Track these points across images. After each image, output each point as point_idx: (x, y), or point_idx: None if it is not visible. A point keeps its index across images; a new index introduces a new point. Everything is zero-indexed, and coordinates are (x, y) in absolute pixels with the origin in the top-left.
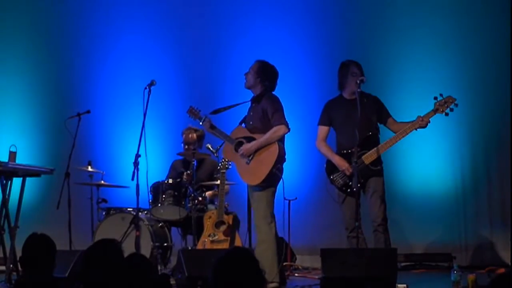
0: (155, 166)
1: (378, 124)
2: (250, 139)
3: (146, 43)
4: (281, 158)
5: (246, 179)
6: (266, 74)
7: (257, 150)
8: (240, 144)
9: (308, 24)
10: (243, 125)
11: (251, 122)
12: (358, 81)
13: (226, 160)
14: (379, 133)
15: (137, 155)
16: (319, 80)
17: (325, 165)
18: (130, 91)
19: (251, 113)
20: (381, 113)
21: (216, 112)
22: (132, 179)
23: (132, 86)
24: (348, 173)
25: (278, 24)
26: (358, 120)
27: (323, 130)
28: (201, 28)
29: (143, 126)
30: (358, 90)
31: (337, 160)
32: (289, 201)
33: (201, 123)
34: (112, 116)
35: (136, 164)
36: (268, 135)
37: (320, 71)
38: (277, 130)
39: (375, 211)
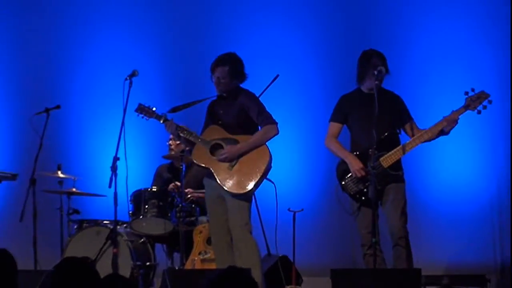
0: (136, 172)
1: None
2: (229, 141)
3: (127, 31)
4: (270, 163)
5: (230, 187)
6: (237, 70)
7: (243, 153)
8: (217, 146)
9: (308, 15)
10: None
11: (220, 122)
12: (376, 72)
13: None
14: (399, 134)
15: (115, 158)
16: (323, 77)
17: (335, 169)
18: (108, 84)
19: (221, 111)
20: (401, 114)
21: (174, 110)
22: (109, 186)
23: (110, 78)
24: (359, 175)
25: (272, 14)
26: (376, 117)
27: (334, 127)
28: (189, 17)
29: (123, 124)
30: (376, 82)
31: (351, 159)
32: (294, 212)
33: (161, 122)
34: (86, 112)
35: (114, 168)
36: (258, 136)
37: (324, 68)
38: (268, 131)
39: (394, 223)
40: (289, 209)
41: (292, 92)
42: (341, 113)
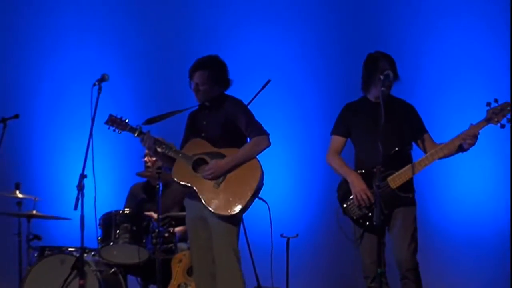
0: (106, 191)
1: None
2: (214, 155)
3: (96, 34)
4: (262, 180)
5: (216, 208)
6: (219, 75)
7: (231, 169)
8: (200, 162)
9: (304, 16)
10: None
11: (203, 134)
12: (382, 77)
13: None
14: (411, 150)
15: (82, 176)
16: (320, 84)
17: (337, 189)
18: (75, 91)
19: (204, 122)
20: (414, 126)
21: (150, 121)
22: (75, 208)
23: (77, 85)
24: (360, 197)
25: (264, 14)
26: (382, 128)
27: (337, 141)
28: (167, 17)
29: (91, 136)
30: (383, 89)
31: (353, 178)
32: (288, 238)
33: (136, 136)
34: (50, 123)
35: (80, 187)
36: (247, 148)
37: (321, 74)
38: (259, 142)
39: (403, 252)
40: (282, 235)
41: (285, 99)
42: (344, 125)
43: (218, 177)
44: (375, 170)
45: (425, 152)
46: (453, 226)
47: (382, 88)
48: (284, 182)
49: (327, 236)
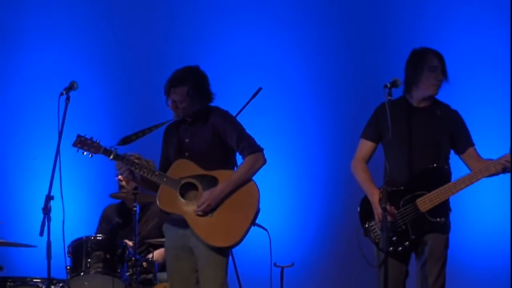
0: (76, 215)
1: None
2: (204, 179)
3: (65, 38)
4: (259, 203)
5: (211, 239)
6: (200, 90)
7: (227, 196)
8: (188, 187)
9: (300, 15)
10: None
11: (186, 154)
12: (389, 84)
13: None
14: (449, 167)
15: (49, 198)
16: (318, 92)
17: (359, 205)
18: (40, 102)
19: (187, 139)
20: (458, 138)
21: (126, 141)
22: (41, 234)
23: (42, 95)
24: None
25: (254, 13)
26: (388, 142)
27: (365, 146)
28: (146, 18)
29: (58, 152)
30: (389, 98)
31: (375, 199)
32: (282, 268)
33: (111, 158)
34: (11, 138)
35: (46, 211)
36: (243, 170)
37: (320, 80)
38: (254, 162)
39: (429, 285)
40: (275, 264)
41: (278, 110)
42: (375, 128)
43: (216, 208)
44: (381, 189)
45: (471, 169)
46: (469, 257)
47: (389, 97)
48: (277, 204)
49: (326, 265)
